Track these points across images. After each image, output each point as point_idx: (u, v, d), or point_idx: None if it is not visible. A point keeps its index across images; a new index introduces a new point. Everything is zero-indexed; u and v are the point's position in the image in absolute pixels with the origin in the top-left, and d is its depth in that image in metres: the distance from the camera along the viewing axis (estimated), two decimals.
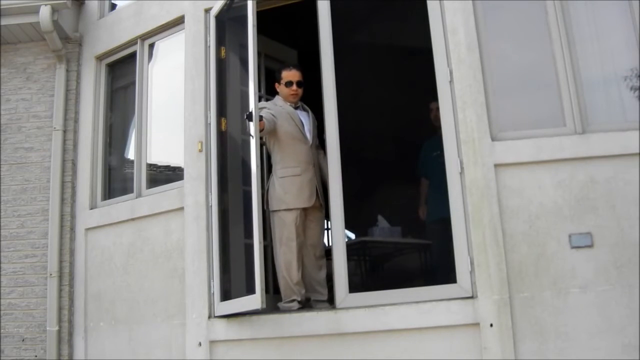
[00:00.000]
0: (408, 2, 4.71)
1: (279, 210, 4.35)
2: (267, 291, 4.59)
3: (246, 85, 4.05)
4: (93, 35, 5.61)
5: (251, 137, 3.89)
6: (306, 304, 4.38)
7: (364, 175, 6.24)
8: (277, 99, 4.62)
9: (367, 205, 6.59)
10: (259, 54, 5.22)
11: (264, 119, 4.11)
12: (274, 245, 4.40)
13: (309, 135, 4.52)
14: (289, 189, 4.35)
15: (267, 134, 4.36)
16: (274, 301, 4.51)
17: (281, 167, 4.41)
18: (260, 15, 4.66)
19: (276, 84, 4.62)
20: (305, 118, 4.58)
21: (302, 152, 4.45)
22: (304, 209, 4.39)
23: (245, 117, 3.90)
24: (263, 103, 4.56)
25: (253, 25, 3.96)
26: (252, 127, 3.85)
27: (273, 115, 4.33)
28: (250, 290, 3.80)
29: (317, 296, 4.42)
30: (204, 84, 4.66)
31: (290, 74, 4.57)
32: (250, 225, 3.89)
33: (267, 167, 4.89)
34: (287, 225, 4.32)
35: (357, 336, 3.89)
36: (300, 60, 5.59)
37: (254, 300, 3.73)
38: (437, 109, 4.19)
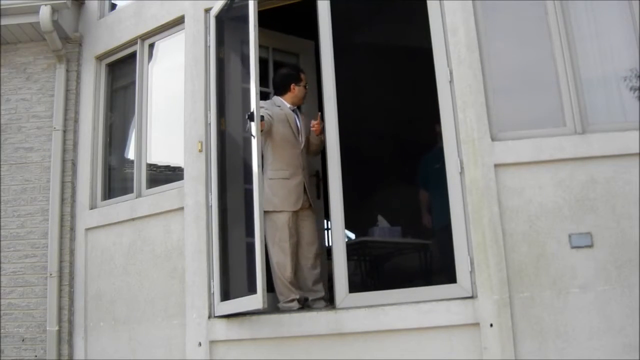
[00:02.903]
0: (408, 2, 4.71)
1: (270, 212, 4.34)
2: (268, 290, 4.60)
3: (248, 83, 4.05)
4: (93, 35, 5.61)
5: (252, 137, 3.88)
6: (304, 304, 4.38)
7: (364, 175, 6.24)
8: (276, 99, 4.64)
9: (367, 205, 6.58)
10: (266, 48, 5.22)
11: (265, 117, 4.12)
12: (267, 246, 4.39)
13: (302, 139, 4.56)
14: (277, 192, 4.37)
15: (264, 134, 4.38)
16: (274, 301, 4.50)
17: (271, 169, 4.42)
18: (269, 9, 4.65)
19: (294, 85, 4.62)
20: (300, 121, 4.62)
21: (293, 156, 4.48)
22: (297, 210, 4.42)
23: (246, 116, 3.91)
24: (261, 103, 4.56)
25: (255, 27, 3.97)
26: (254, 127, 3.85)
27: (270, 116, 4.33)
28: (252, 289, 3.80)
29: (313, 295, 4.42)
30: (204, 84, 4.66)
31: (305, 77, 4.68)
32: (250, 225, 3.89)
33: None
34: (279, 227, 4.33)
35: (357, 336, 3.89)
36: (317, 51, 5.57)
37: (255, 300, 3.73)
38: None
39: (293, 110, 4.61)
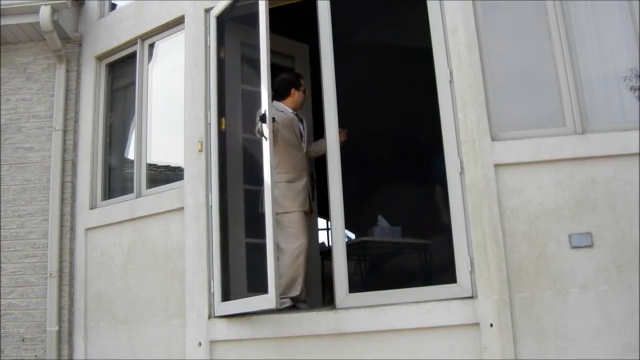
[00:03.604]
0: (408, 2, 4.71)
1: (281, 214, 4.33)
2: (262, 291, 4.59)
3: (248, 84, 4.06)
4: (93, 35, 5.61)
5: (264, 139, 3.87)
6: (295, 304, 4.38)
7: (364, 175, 6.24)
8: (278, 104, 4.62)
9: (367, 205, 6.58)
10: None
11: (276, 121, 4.12)
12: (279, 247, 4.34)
13: (304, 144, 4.60)
14: (285, 194, 4.41)
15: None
16: None
17: (277, 172, 4.41)
18: (275, 11, 4.65)
19: (294, 90, 4.65)
20: (301, 125, 4.65)
21: (297, 159, 4.53)
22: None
23: (258, 118, 3.91)
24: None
25: (266, 28, 3.97)
26: (265, 128, 3.84)
27: (276, 121, 4.33)
28: (253, 289, 3.80)
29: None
30: (204, 84, 4.66)
31: (303, 82, 4.72)
32: (251, 225, 3.89)
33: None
34: (293, 226, 4.37)
35: (357, 336, 3.90)
36: (312, 55, 5.57)
37: (267, 300, 3.72)
38: None
39: (295, 115, 4.64)
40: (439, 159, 5.41)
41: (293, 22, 5.28)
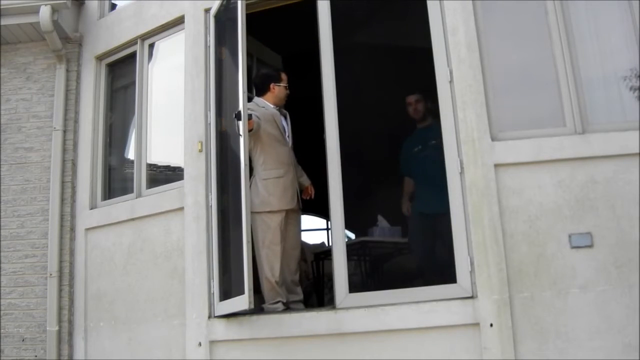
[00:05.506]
0: (408, 2, 4.72)
1: (263, 213, 4.33)
2: (256, 292, 4.60)
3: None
4: (93, 35, 5.61)
5: (240, 136, 3.89)
6: (287, 306, 4.36)
7: (364, 175, 6.23)
8: (259, 100, 4.59)
9: (367, 205, 6.57)
10: (251, 56, 5.26)
11: (253, 118, 4.11)
12: (255, 247, 4.30)
13: (289, 139, 4.58)
14: (273, 191, 4.36)
15: (252, 135, 4.35)
16: (260, 302, 4.48)
17: (264, 169, 4.40)
18: (255, 19, 4.68)
19: (273, 85, 4.59)
20: (284, 120, 4.62)
21: (284, 154, 4.49)
22: (286, 212, 4.41)
23: (234, 115, 3.91)
24: (248, 104, 4.55)
25: (242, 25, 3.98)
26: (241, 126, 3.85)
27: (257, 117, 4.30)
28: (242, 290, 3.81)
29: (292, 297, 4.44)
30: (204, 84, 4.66)
31: (285, 77, 4.65)
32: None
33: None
34: (271, 229, 4.32)
35: (357, 336, 3.90)
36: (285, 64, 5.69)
37: (243, 301, 3.73)
38: (417, 101, 4.16)
39: (278, 110, 4.60)
40: (404, 146, 5.34)
41: (267, 31, 5.30)
